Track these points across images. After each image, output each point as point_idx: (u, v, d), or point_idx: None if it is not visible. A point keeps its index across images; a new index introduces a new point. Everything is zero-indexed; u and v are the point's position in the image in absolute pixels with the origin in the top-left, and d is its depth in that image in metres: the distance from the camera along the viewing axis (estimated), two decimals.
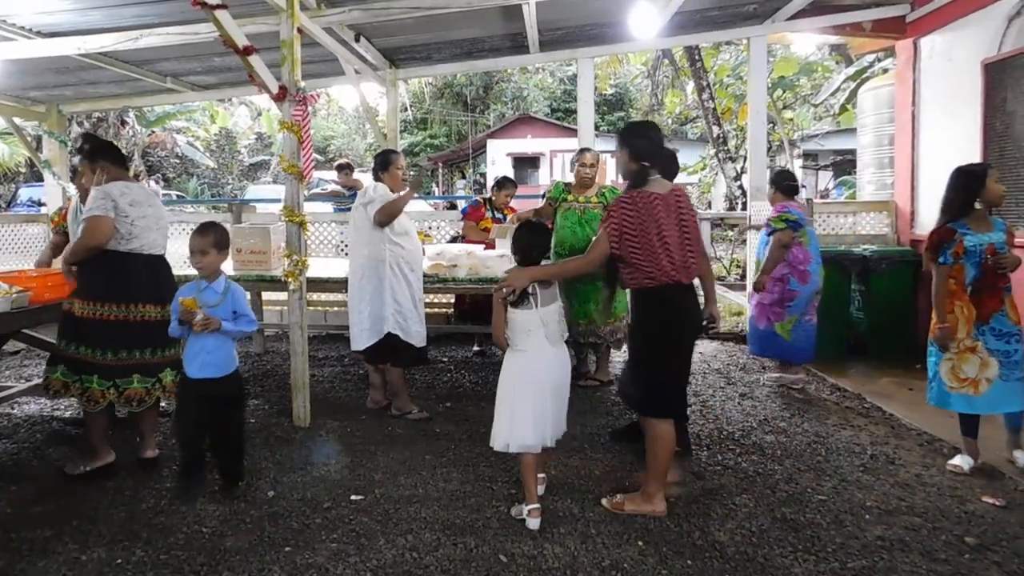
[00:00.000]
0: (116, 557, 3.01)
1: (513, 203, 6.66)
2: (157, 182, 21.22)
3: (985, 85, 5.61)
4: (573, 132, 7.26)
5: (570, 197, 5.52)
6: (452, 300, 7.21)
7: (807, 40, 10.33)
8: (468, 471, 3.90)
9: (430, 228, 7.63)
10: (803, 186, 19.68)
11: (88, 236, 3.70)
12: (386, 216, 4.60)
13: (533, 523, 3.22)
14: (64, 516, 3.38)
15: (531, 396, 3.22)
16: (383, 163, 4.87)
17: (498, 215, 6.47)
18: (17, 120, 8.28)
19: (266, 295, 7.21)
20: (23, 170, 19.84)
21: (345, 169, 9.93)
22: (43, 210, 9.35)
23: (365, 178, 13.54)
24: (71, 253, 3.81)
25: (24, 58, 5.71)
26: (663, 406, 3.35)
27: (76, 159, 3.94)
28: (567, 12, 6.12)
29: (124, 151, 18.89)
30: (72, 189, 8.36)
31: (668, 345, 3.33)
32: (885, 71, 10.20)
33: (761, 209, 6.67)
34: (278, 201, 7.81)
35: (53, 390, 3.79)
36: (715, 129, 13.08)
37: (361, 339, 4.78)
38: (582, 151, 5.61)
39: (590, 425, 4.67)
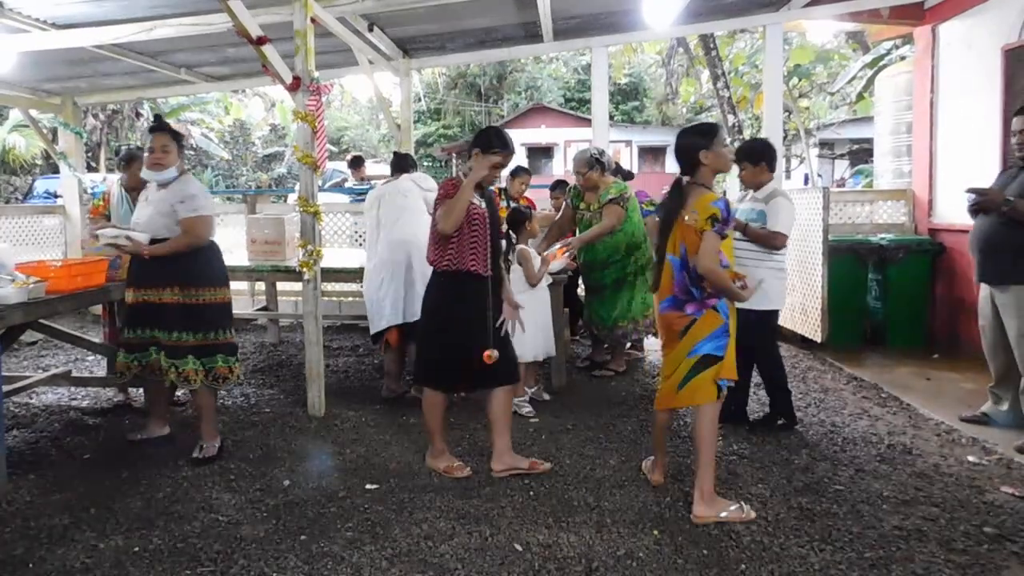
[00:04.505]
0: (133, 545, 3.03)
1: (528, 193, 6.64)
2: None
3: (1005, 72, 5.53)
4: (587, 122, 7.25)
5: (582, 205, 5.48)
6: None
7: (823, 28, 10.20)
8: (482, 460, 3.89)
9: None
10: (819, 175, 19.60)
11: (202, 234, 3.92)
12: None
13: None
14: (82, 504, 3.42)
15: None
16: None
17: (513, 204, 6.45)
18: (33, 112, 8.34)
19: (281, 285, 7.24)
20: (39, 162, 19.95)
21: (359, 164, 9.98)
22: (59, 201, 9.40)
23: (378, 168, 13.55)
24: (174, 247, 3.87)
25: (39, 50, 5.73)
26: None
27: (150, 138, 3.94)
28: (581, 0, 6.08)
29: (139, 143, 18.89)
30: (88, 180, 8.44)
31: None
32: (903, 58, 10.09)
33: None
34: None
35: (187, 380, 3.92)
36: (730, 118, 12.96)
37: (417, 309, 4.77)
38: (575, 157, 5.45)
39: (604, 415, 4.67)
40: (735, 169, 4.20)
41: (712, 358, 3.23)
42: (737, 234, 4.13)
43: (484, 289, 3.59)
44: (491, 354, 3.49)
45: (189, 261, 3.91)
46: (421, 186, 5.01)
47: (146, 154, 3.96)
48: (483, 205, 3.60)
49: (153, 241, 3.86)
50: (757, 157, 4.34)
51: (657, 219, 5.78)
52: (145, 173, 4.00)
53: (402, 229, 4.84)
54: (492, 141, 3.54)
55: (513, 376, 3.76)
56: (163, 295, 3.88)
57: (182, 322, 3.88)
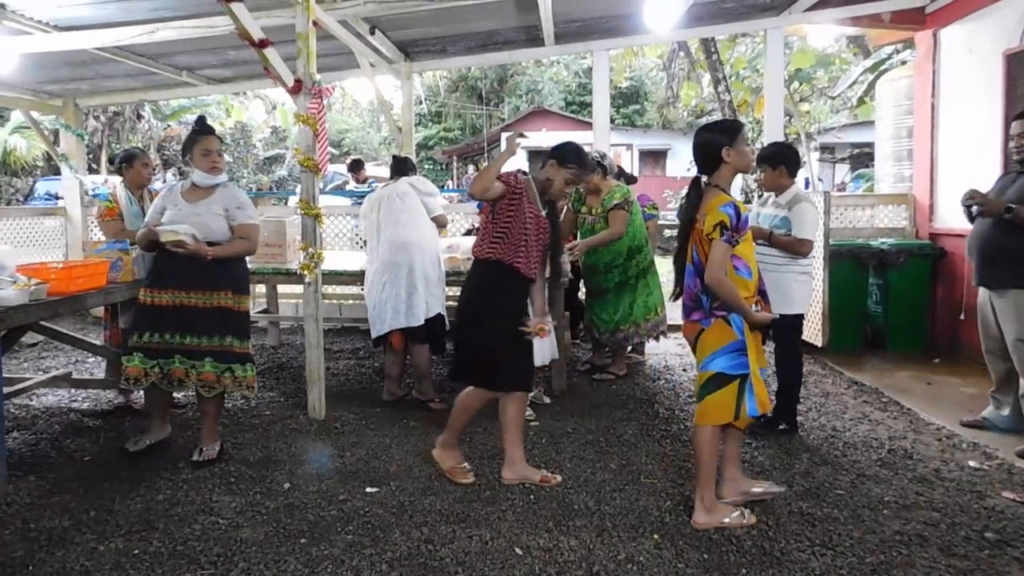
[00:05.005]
0: (133, 547, 3.03)
1: None
2: (174, 175, 21.32)
3: (1006, 76, 5.54)
4: (588, 125, 7.26)
5: (584, 209, 5.49)
6: None
7: (824, 32, 10.23)
8: (483, 464, 3.89)
9: None
10: (820, 179, 19.60)
11: (258, 241, 4.08)
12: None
13: None
14: (82, 506, 3.41)
15: None
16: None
17: None
18: (35, 114, 8.34)
19: (281, 288, 7.24)
20: (40, 164, 19.96)
21: (359, 167, 10.03)
22: (60, 203, 9.40)
23: (379, 171, 13.56)
24: (236, 251, 3.93)
25: (41, 52, 5.73)
26: None
27: (196, 138, 3.92)
28: (582, 4, 6.09)
29: (140, 144, 18.82)
30: (89, 182, 8.45)
31: None
32: (904, 63, 10.09)
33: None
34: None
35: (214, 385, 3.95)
36: None
37: (419, 313, 4.82)
38: None
39: (605, 419, 4.66)
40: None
41: (725, 377, 3.13)
42: (762, 240, 4.11)
43: (524, 291, 3.59)
44: (541, 326, 3.54)
45: (240, 267, 3.99)
46: (419, 189, 5.01)
47: (199, 156, 3.92)
48: (545, 215, 3.62)
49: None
50: (775, 161, 4.34)
51: (659, 223, 5.81)
52: (201, 177, 3.95)
53: (403, 231, 4.84)
54: (568, 156, 3.58)
55: (526, 383, 3.69)
56: (213, 299, 3.87)
57: (232, 327, 3.91)
